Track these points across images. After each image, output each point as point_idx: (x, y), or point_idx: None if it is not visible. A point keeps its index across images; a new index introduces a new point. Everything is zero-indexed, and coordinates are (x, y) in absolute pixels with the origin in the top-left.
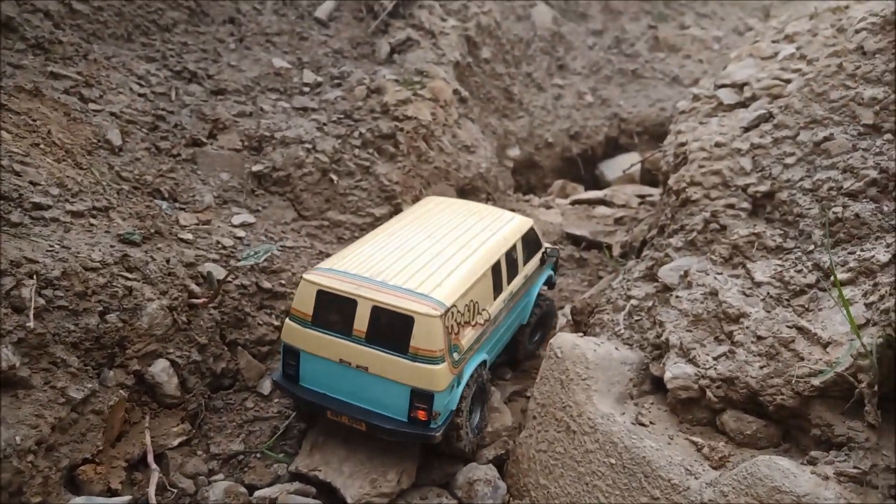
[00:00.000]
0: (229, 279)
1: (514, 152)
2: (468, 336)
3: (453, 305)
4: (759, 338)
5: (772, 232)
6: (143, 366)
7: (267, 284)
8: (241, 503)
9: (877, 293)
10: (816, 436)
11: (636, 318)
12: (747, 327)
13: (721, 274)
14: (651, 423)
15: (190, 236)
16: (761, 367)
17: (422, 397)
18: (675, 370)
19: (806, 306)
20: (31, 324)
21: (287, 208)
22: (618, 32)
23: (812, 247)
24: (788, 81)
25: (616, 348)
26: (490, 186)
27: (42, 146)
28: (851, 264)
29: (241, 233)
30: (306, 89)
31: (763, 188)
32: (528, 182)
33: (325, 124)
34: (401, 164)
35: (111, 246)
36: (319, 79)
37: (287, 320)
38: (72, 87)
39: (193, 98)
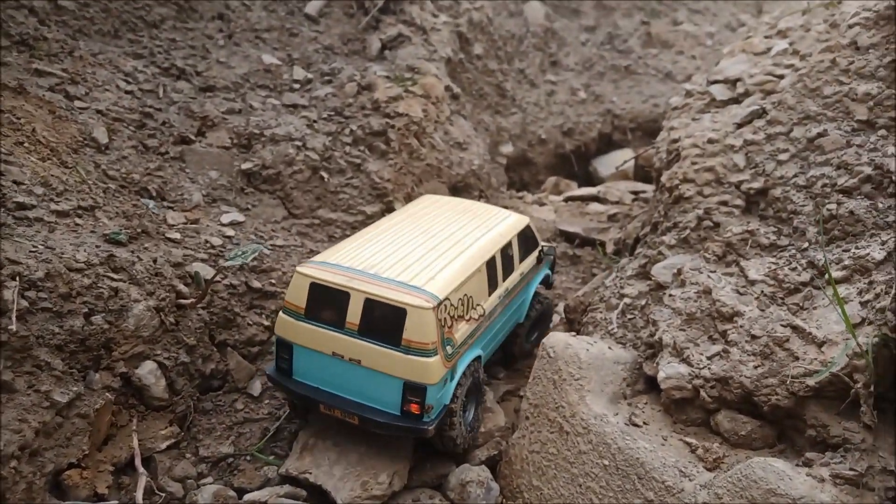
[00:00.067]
0: (218, 279)
1: (507, 149)
2: (462, 330)
3: (446, 298)
4: (754, 337)
5: (765, 229)
6: (129, 368)
7: (257, 284)
8: None
9: (872, 291)
10: (812, 437)
11: (629, 316)
12: (741, 326)
13: (714, 272)
14: (645, 423)
15: (178, 235)
16: (756, 367)
17: (414, 390)
18: (668, 370)
19: (800, 305)
20: (13, 326)
21: (277, 207)
22: (610, 28)
23: (806, 244)
24: (781, 77)
25: (609, 347)
26: (483, 183)
27: (26, 144)
28: (846, 262)
29: (230, 232)
30: (296, 86)
31: (756, 185)
32: (522, 179)
33: (315, 121)
34: (392, 161)
35: (97, 246)
36: (310, 75)
37: (280, 313)
38: (57, 85)
39: (181, 95)
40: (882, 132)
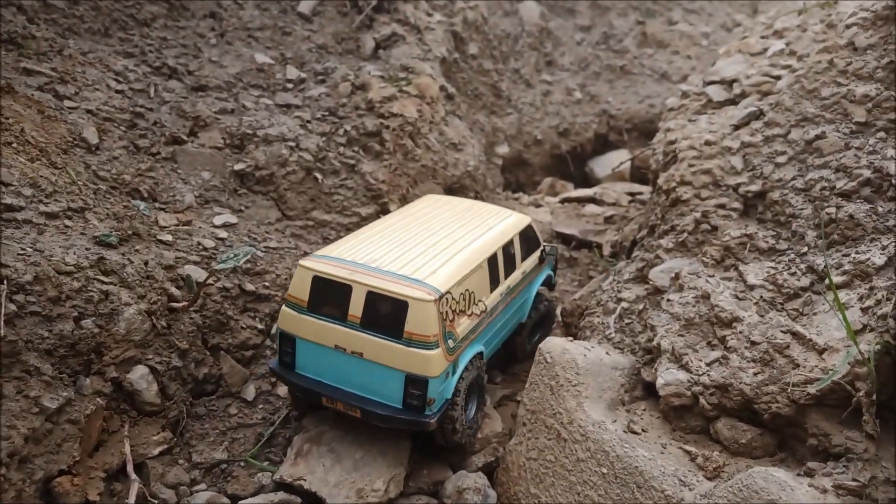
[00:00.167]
0: (210, 282)
1: (503, 150)
2: (464, 325)
3: (448, 292)
4: (753, 343)
5: (764, 233)
6: (121, 373)
7: (250, 287)
8: None
9: (873, 297)
10: (813, 445)
11: (627, 321)
12: (740, 332)
13: (713, 276)
14: (643, 430)
15: (169, 238)
16: (755, 374)
17: (416, 383)
18: (667, 376)
19: (800, 310)
20: (1, 331)
21: (271, 208)
22: (606, 28)
23: (805, 248)
24: (778, 78)
25: (607, 353)
26: (478, 185)
27: (14, 145)
28: (846, 267)
29: (223, 233)
30: (289, 86)
31: (754, 188)
32: (518, 180)
33: (308, 122)
34: (387, 162)
35: (87, 248)
36: (303, 75)
37: (283, 307)
38: (46, 84)
39: (173, 95)
40: (881, 134)
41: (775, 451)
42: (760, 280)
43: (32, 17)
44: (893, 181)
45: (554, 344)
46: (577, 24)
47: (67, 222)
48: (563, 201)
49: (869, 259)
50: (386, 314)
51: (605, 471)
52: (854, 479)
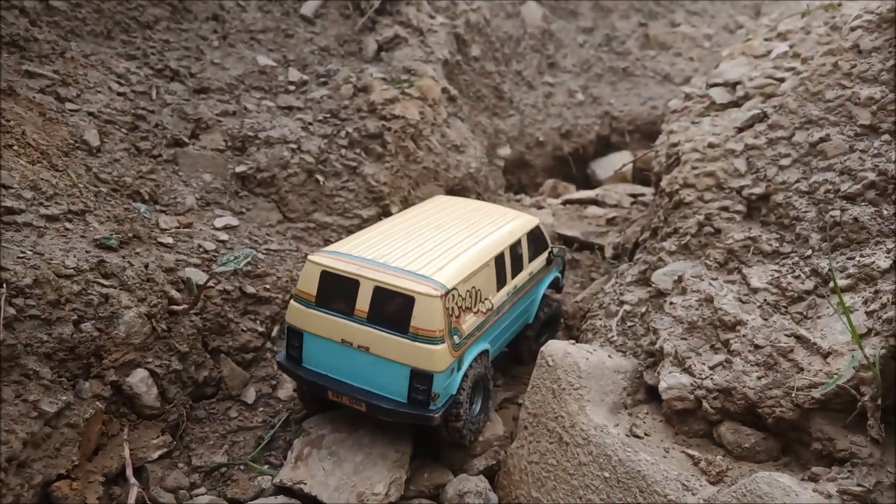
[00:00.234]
0: (211, 284)
1: (505, 151)
2: (469, 322)
3: (454, 288)
4: (757, 347)
5: (768, 236)
6: (120, 376)
7: (251, 289)
8: None
9: (878, 301)
10: (817, 450)
11: (629, 324)
12: (744, 335)
13: (716, 279)
14: (646, 434)
15: (170, 240)
16: (759, 378)
17: (421, 378)
18: (670, 380)
19: (804, 314)
20: (0, 335)
21: (272, 210)
22: (608, 30)
23: (809, 251)
24: (782, 80)
25: (609, 356)
26: (480, 186)
27: (16, 147)
28: (851, 270)
29: (223, 236)
30: (291, 88)
31: (758, 190)
32: (520, 181)
33: (310, 124)
34: (388, 164)
35: (87, 251)
36: (305, 77)
37: (291, 301)
38: (48, 86)
39: (175, 97)
40: (886, 137)
41: (779, 456)
42: (764, 283)
43: (35, 20)
44: None
45: (556, 347)
46: (580, 25)
47: (68, 225)
48: (564, 203)
49: (874, 262)
50: (392, 309)
51: (607, 475)
52: (859, 485)
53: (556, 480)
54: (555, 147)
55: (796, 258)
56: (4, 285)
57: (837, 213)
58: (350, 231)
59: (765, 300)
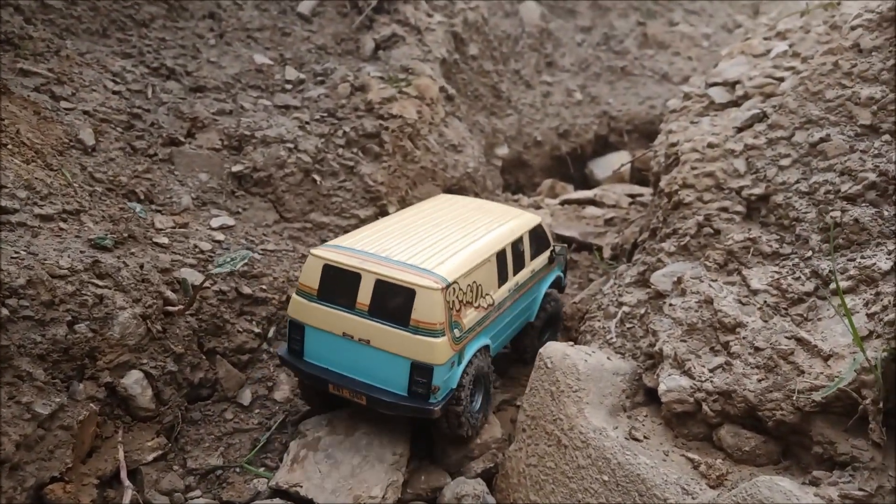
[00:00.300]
0: (207, 285)
1: (503, 151)
2: (470, 316)
3: (455, 282)
4: (757, 349)
5: (767, 237)
6: (115, 377)
7: (247, 290)
8: None
9: (879, 303)
10: (818, 454)
11: (628, 325)
12: (744, 338)
13: (716, 281)
14: (645, 437)
15: (166, 240)
16: (759, 381)
17: (421, 370)
18: (669, 383)
19: (805, 315)
20: None
21: (268, 210)
22: (606, 29)
23: (810, 253)
24: (782, 80)
25: (608, 358)
26: (478, 186)
27: (10, 146)
28: (851, 272)
29: (220, 236)
30: (288, 87)
31: (758, 191)
32: (517, 181)
33: (307, 123)
34: (386, 163)
35: (81, 252)
36: (302, 76)
37: (294, 295)
38: (42, 85)
39: (171, 96)
40: (886, 137)
41: (779, 459)
42: (764, 285)
43: (30, 18)
44: None
45: (554, 349)
46: (578, 24)
47: (62, 225)
48: (562, 203)
49: (875, 264)
50: (393, 302)
51: (606, 478)
52: (860, 489)
53: (554, 484)
54: (553, 147)
55: (796, 259)
56: None
57: (838, 213)
58: (347, 231)
59: (765, 302)
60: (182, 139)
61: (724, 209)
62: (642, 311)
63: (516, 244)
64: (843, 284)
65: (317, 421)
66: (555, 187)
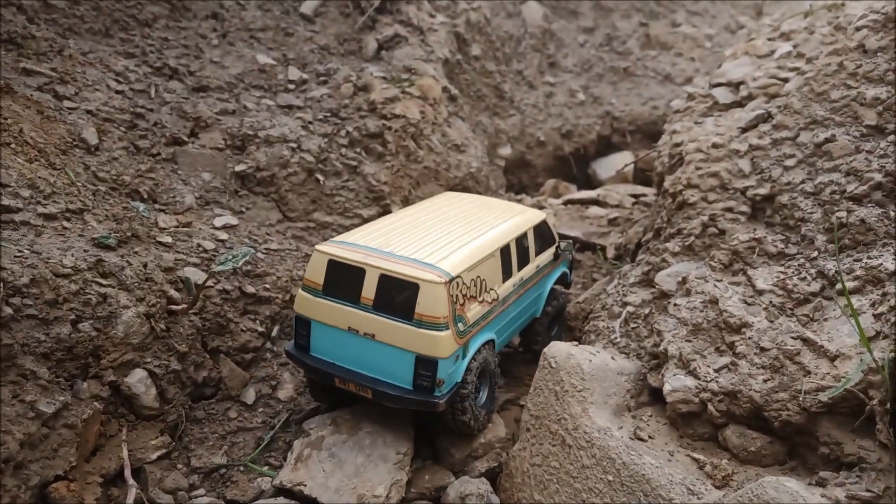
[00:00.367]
0: (211, 284)
1: (506, 151)
2: (474, 311)
3: (458, 276)
4: (763, 349)
5: (773, 237)
6: (118, 376)
7: (251, 289)
8: None
9: (886, 303)
10: (825, 454)
11: (633, 325)
12: (750, 338)
13: (721, 281)
14: (650, 437)
15: (169, 239)
16: (765, 381)
17: (426, 364)
18: (674, 383)
19: (811, 316)
20: None
21: (272, 209)
22: (609, 30)
23: (815, 253)
24: (786, 80)
25: (612, 358)
26: (481, 186)
27: (13, 146)
28: (858, 272)
29: (223, 235)
30: (291, 87)
31: (763, 191)
32: (520, 181)
33: (310, 123)
34: (389, 163)
35: (85, 251)
36: (305, 76)
37: (300, 291)
38: (45, 84)
39: (174, 95)
40: (892, 137)
41: (785, 460)
42: (770, 285)
43: (32, 17)
44: None
45: (558, 349)
46: (581, 25)
47: (66, 224)
48: (566, 203)
49: (881, 264)
50: (398, 296)
51: (610, 478)
52: (868, 490)
53: (558, 483)
54: (556, 147)
55: (802, 260)
56: (1, 284)
57: (844, 214)
58: (350, 230)
59: (770, 302)
60: (185, 139)
61: (729, 209)
62: (647, 310)
63: (521, 240)
64: (850, 285)
65: (321, 420)
66: (558, 187)
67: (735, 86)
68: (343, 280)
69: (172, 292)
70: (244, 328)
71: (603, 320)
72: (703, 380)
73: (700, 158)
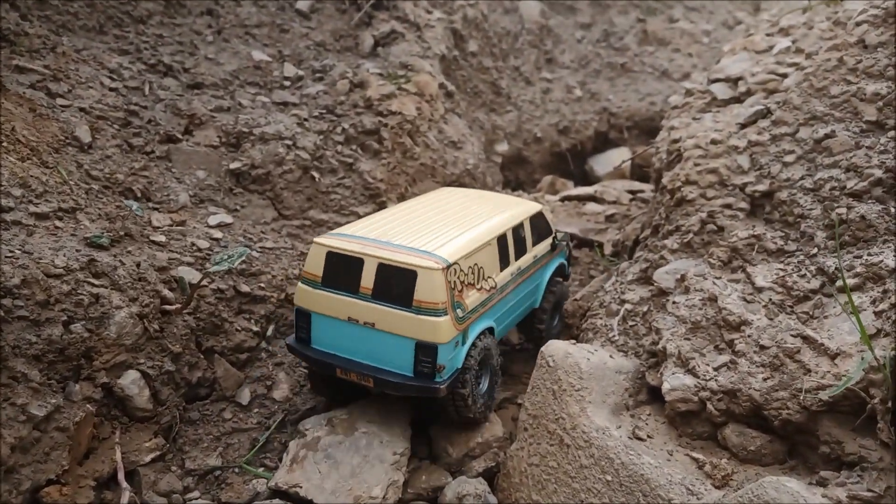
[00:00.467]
0: (205, 283)
1: (503, 147)
2: (473, 297)
3: (455, 262)
4: (762, 347)
5: (772, 234)
6: (111, 378)
7: (245, 288)
8: None
9: (886, 301)
10: (825, 453)
11: (631, 323)
12: (749, 336)
13: (720, 278)
14: (649, 436)
15: (163, 238)
16: (765, 379)
17: (426, 350)
18: (673, 381)
19: (810, 313)
20: None
21: (267, 207)
22: (606, 26)
23: (815, 250)
24: (785, 76)
25: (610, 356)
26: (478, 183)
27: (5, 144)
28: (858, 269)
29: (217, 234)
30: (287, 83)
31: (762, 187)
32: (517, 178)
33: (306, 120)
34: (385, 160)
35: (77, 250)
36: (300, 72)
37: (299, 284)
38: (38, 82)
39: (168, 92)
40: (892, 133)
41: (785, 459)
42: (769, 282)
43: (25, 14)
44: None
45: (556, 347)
46: (578, 21)
47: (58, 223)
48: (563, 199)
49: (881, 261)
50: (396, 284)
51: (609, 478)
52: (869, 490)
53: (556, 483)
54: (553, 143)
55: (802, 257)
56: None
57: (843, 210)
58: None
59: (770, 299)
60: (179, 136)
61: (728, 206)
62: (645, 308)
63: (517, 229)
64: (850, 282)
65: (316, 420)
66: (555, 184)
67: (733, 81)
68: (342, 271)
69: (166, 292)
70: (239, 328)
71: (601, 318)
72: (703, 378)
73: (698, 155)
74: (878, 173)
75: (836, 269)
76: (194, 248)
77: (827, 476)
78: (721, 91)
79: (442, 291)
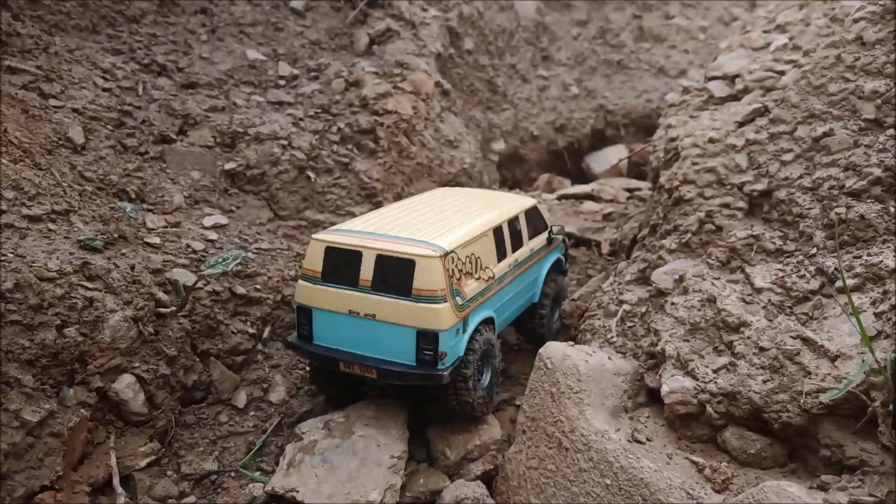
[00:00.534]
0: (199, 285)
1: (499, 146)
2: (471, 286)
3: (453, 251)
4: (762, 349)
5: (771, 234)
6: (106, 382)
7: (241, 290)
8: None
9: (887, 302)
10: (826, 457)
11: (629, 324)
12: (748, 337)
13: (719, 279)
14: (648, 439)
15: (157, 240)
16: (765, 382)
17: (427, 337)
18: (672, 384)
19: (810, 314)
20: None
21: (262, 208)
22: (602, 22)
23: (814, 250)
24: (782, 73)
25: (609, 358)
26: (474, 182)
27: None
28: (858, 270)
29: (212, 235)
30: (282, 82)
31: (760, 186)
32: (514, 176)
33: (301, 119)
34: (381, 160)
35: (71, 253)
36: (295, 71)
37: (299, 280)
38: (31, 83)
39: (162, 92)
40: (891, 131)
41: (785, 462)
42: (768, 283)
43: (17, 14)
44: None
45: (554, 349)
46: (574, 18)
47: (51, 226)
48: (560, 198)
49: (882, 262)
50: (395, 274)
51: (608, 482)
52: (871, 494)
53: (555, 487)
54: (549, 141)
55: (801, 257)
56: None
57: (843, 209)
58: None
59: (769, 300)
60: (174, 137)
61: (726, 205)
62: (643, 309)
63: (513, 222)
64: (850, 282)
65: (313, 423)
66: (552, 182)
67: (731, 79)
68: (341, 265)
69: (161, 295)
70: (234, 330)
71: (599, 319)
72: (702, 380)
73: (696, 153)
74: (877, 172)
75: (835, 269)
76: (189, 249)
77: (828, 480)
78: (718, 89)
79: (441, 279)
